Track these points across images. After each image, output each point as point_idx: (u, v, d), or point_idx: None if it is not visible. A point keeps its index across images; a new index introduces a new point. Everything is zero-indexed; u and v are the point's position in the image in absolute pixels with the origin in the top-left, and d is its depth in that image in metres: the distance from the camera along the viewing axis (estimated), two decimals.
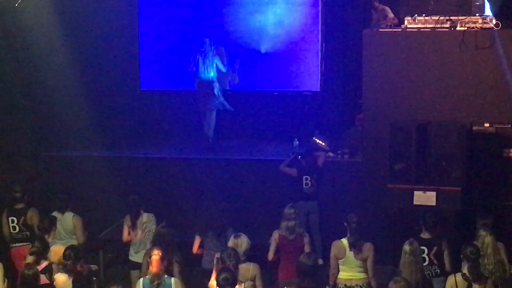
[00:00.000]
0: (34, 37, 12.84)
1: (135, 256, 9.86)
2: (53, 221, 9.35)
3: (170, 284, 7.76)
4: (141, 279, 7.87)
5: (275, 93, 14.06)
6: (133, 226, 9.90)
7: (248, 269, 8.18)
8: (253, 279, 8.13)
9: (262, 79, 13.92)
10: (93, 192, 12.13)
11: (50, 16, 12.84)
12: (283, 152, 12.42)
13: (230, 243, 8.52)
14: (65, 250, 8.19)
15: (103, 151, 13.05)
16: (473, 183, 10.47)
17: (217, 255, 8.26)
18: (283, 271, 9.06)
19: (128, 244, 10.08)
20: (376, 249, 8.70)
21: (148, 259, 7.91)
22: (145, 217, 9.90)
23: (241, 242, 8.43)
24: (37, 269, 7.93)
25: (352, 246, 8.61)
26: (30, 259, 8.44)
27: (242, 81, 13.89)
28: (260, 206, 11.76)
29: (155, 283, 7.69)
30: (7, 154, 12.56)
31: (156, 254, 7.76)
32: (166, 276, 7.82)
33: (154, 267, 7.72)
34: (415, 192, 10.03)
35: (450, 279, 7.92)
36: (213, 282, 7.91)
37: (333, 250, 8.75)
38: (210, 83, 12.97)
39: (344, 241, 8.70)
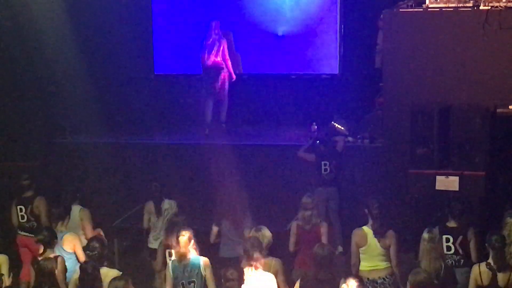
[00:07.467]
0: (44, 22, 12.76)
1: (155, 243, 9.79)
2: (67, 209, 9.23)
3: (199, 264, 7.82)
4: (170, 262, 8.00)
5: (292, 77, 13.90)
6: (154, 213, 9.88)
7: (270, 264, 8.00)
8: (275, 275, 7.91)
9: (279, 62, 13.77)
10: (107, 179, 12.06)
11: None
12: (301, 137, 12.30)
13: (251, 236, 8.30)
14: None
15: (117, 137, 12.94)
16: (497, 167, 10.28)
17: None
18: (300, 261, 8.97)
19: (146, 231, 10.06)
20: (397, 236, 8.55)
21: (175, 240, 7.85)
22: (166, 203, 9.90)
23: (263, 236, 8.18)
24: (54, 262, 7.79)
25: (376, 233, 8.43)
26: (41, 249, 8.30)
27: (258, 64, 13.74)
28: (278, 193, 11.62)
29: (183, 263, 7.78)
30: (18, 141, 12.45)
31: (183, 235, 7.81)
32: (193, 256, 7.86)
33: (182, 248, 7.78)
34: (438, 177, 9.96)
35: (475, 269, 7.77)
36: None
37: (354, 239, 8.58)
38: (216, 68, 12.76)
39: (365, 228, 8.52)
